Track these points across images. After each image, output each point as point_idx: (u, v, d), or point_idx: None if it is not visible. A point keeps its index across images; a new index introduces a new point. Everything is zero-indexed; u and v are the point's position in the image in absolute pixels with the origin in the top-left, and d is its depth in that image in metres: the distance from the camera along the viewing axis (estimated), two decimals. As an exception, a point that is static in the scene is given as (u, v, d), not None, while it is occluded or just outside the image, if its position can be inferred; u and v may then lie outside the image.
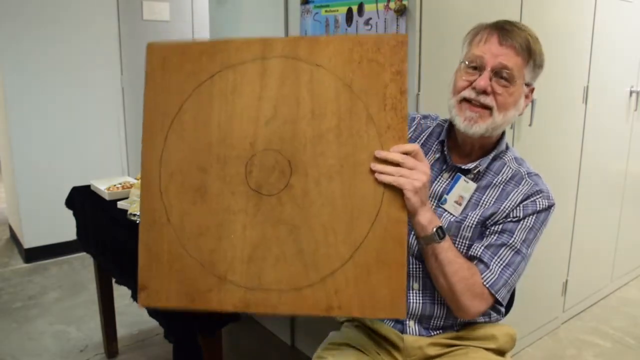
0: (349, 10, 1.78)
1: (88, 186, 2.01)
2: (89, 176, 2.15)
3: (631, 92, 2.66)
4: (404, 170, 0.94)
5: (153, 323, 1.38)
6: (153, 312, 1.40)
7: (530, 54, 1.10)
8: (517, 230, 1.12)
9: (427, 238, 1.04)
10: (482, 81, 1.08)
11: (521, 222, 1.12)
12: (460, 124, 1.12)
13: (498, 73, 1.09)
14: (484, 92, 1.09)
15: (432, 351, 1.19)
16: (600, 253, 2.74)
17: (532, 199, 1.13)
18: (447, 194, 1.18)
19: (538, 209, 1.13)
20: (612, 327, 2.54)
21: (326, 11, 1.87)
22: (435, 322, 1.20)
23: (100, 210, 1.81)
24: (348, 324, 1.33)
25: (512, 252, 1.11)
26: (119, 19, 3.50)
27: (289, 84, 0.98)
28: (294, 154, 0.97)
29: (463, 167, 1.18)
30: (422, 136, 1.25)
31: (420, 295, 1.19)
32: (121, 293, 1.97)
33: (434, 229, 1.03)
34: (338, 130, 0.97)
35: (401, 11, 1.63)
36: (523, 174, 1.17)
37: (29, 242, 3.22)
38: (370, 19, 1.73)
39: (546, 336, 2.44)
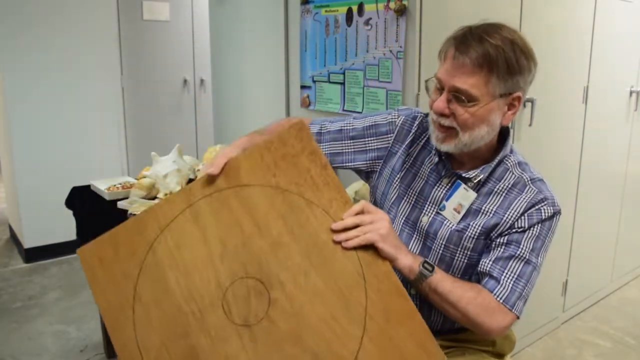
0: (349, 10, 1.79)
1: (88, 186, 2.01)
2: (89, 176, 2.16)
3: (631, 92, 2.66)
4: (365, 227, 0.96)
5: (153, 323, 1.38)
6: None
7: (492, 66, 1.00)
8: (523, 240, 1.08)
9: (418, 277, 1.01)
10: (440, 103, 1.04)
11: (527, 232, 1.08)
12: (433, 140, 1.11)
13: (455, 95, 1.03)
14: (443, 115, 1.05)
15: None
16: (600, 253, 2.74)
17: (536, 207, 1.09)
18: (446, 201, 1.14)
19: (543, 217, 1.09)
20: (612, 327, 2.54)
21: (326, 11, 1.87)
22: (433, 326, 1.19)
23: (100, 210, 1.81)
24: None
25: (522, 263, 1.07)
26: (119, 19, 3.50)
27: (224, 215, 0.99)
28: (261, 271, 0.96)
29: (464, 174, 1.13)
30: (423, 136, 1.21)
31: (418, 300, 1.16)
32: (121, 293, 1.97)
33: (420, 266, 1.01)
34: (288, 229, 0.98)
35: (401, 11, 1.63)
36: (526, 180, 1.12)
37: (29, 242, 3.22)
38: (370, 19, 1.73)
39: (546, 336, 2.44)
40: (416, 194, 1.18)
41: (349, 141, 1.24)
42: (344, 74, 1.85)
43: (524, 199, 1.10)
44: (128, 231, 1.02)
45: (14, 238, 3.58)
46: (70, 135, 3.27)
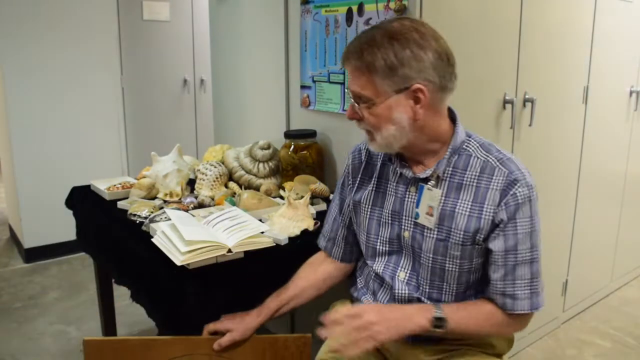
0: (349, 10, 1.78)
1: (88, 186, 2.00)
2: (89, 176, 2.15)
3: (631, 92, 2.66)
4: (356, 336, 0.98)
5: (153, 323, 1.38)
6: (152, 312, 1.40)
7: (370, 68, 1.00)
8: (519, 244, 1.04)
9: (434, 333, 1.04)
10: (348, 110, 1.09)
11: (513, 228, 1.04)
12: None
13: (356, 99, 1.06)
14: (354, 119, 1.09)
15: (428, 357, 1.18)
16: (600, 253, 2.74)
17: (511, 193, 1.03)
18: (417, 208, 1.12)
19: (519, 201, 1.03)
20: (612, 327, 2.54)
21: (326, 11, 1.87)
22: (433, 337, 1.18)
23: (100, 210, 1.81)
24: None
25: (528, 265, 1.06)
26: (119, 19, 3.50)
27: None
28: None
29: (421, 176, 1.10)
30: (376, 157, 1.21)
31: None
32: (121, 293, 1.97)
33: (432, 327, 1.03)
34: None
35: (401, 11, 1.63)
36: (493, 163, 1.06)
37: (29, 242, 3.22)
38: (370, 19, 1.73)
39: (546, 336, 2.44)
40: (390, 212, 1.17)
41: (343, 215, 1.30)
42: (344, 74, 1.85)
43: (496, 185, 1.04)
44: (132, 346, 1.15)
45: (14, 238, 3.58)
46: (70, 135, 3.27)
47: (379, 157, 1.21)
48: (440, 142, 1.09)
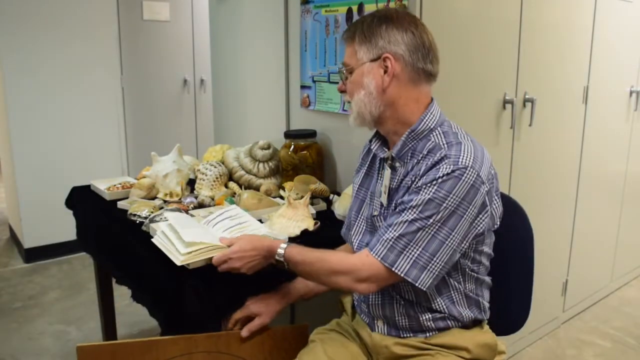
0: (349, 10, 1.78)
1: (88, 186, 2.00)
2: (89, 176, 2.15)
3: (631, 92, 2.66)
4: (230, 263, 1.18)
5: (153, 323, 1.38)
6: (153, 311, 1.40)
7: (353, 36, 1.13)
8: (411, 202, 1.04)
9: (280, 264, 1.17)
10: (339, 83, 1.20)
11: (419, 193, 1.04)
12: None
13: (345, 71, 1.17)
14: (342, 92, 1.19)
15: (399, 351, 1.19)
16: (600, 253, 2.74)
17: (436, 167, 1.04)
18: (381, 187, 1.19)
19: (438, 175, 1.02)
20: (612, 327, 2.54)
21: (326, 11, 1.87)
22: (402, 322, 1.18)
23: (100, 210, 1.81)
24: (344, 312, 1.39)
25: (407, 225, 1.03)
26: (119, 19, 3.50)
27: None
28: None
29: (380, 156, 1.19)
30: (369, 156, 1.29)
31: (379, 296, 1.19)
32: (121, 293, 1.97)
33: (276, 260, 1.16)
34: None
35: (401, 11, 1.63)
36: (441, 145, 1.07)
37: (29, 242, 3.22)
38: (370, 19, 1.73)
39: (546, 336, 2.44)
40: (370, 193, 1.24)
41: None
42: (344, 74, 1.85)
43: (430, 162, 1.06)
44: (129, 350, 1.14)
45: (14, 238, 3.58)
46: (70, 135, 3.27)
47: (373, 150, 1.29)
48: (407, 126, 1.14)
